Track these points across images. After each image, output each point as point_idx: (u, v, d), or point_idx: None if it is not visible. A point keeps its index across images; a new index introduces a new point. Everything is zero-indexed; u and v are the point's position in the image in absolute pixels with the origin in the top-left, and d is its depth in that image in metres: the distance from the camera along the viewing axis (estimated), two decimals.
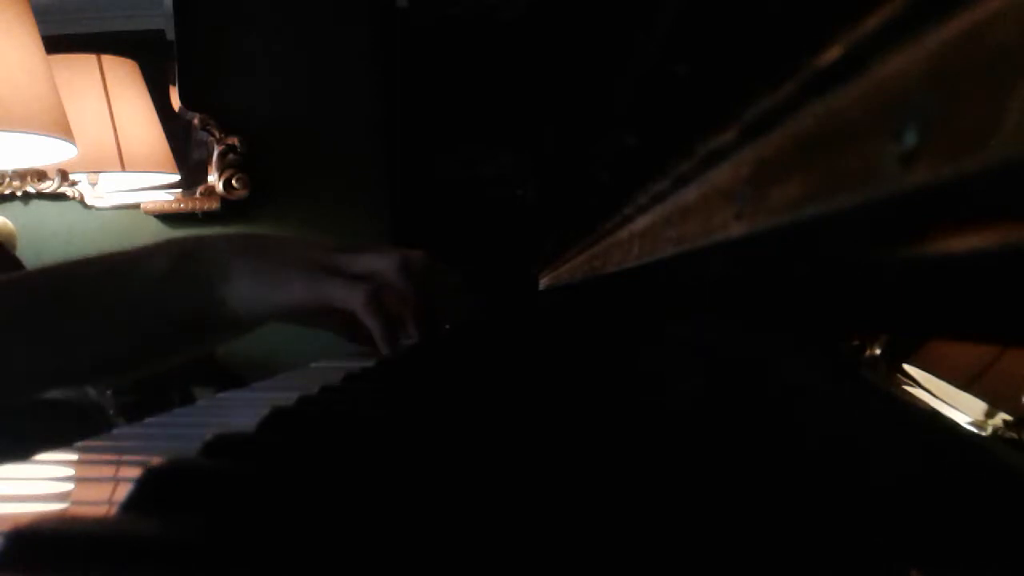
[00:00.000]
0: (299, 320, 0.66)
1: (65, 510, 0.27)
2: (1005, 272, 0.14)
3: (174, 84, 2.11)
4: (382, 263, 0.65)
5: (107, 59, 1.96)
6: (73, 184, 2.14)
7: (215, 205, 2.11)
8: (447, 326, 0.80)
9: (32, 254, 2.04)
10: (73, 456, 0.33)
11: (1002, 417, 0.19)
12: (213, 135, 2.10)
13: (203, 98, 2.11)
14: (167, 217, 2.15)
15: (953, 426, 0.20)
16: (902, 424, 0.22)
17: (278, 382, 0.64)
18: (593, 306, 0.86)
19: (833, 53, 0.20)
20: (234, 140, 2.10)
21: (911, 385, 0.22)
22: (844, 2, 0.19)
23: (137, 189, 2.13)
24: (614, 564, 0.17)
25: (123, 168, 1.96)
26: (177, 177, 2.09)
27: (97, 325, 0.61)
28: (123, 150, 1.94)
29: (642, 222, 0.48)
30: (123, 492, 0.20)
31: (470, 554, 0.17)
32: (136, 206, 2.14)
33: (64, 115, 1.63)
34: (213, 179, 2.11)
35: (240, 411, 0.50)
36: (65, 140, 1.63)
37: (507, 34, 1.98)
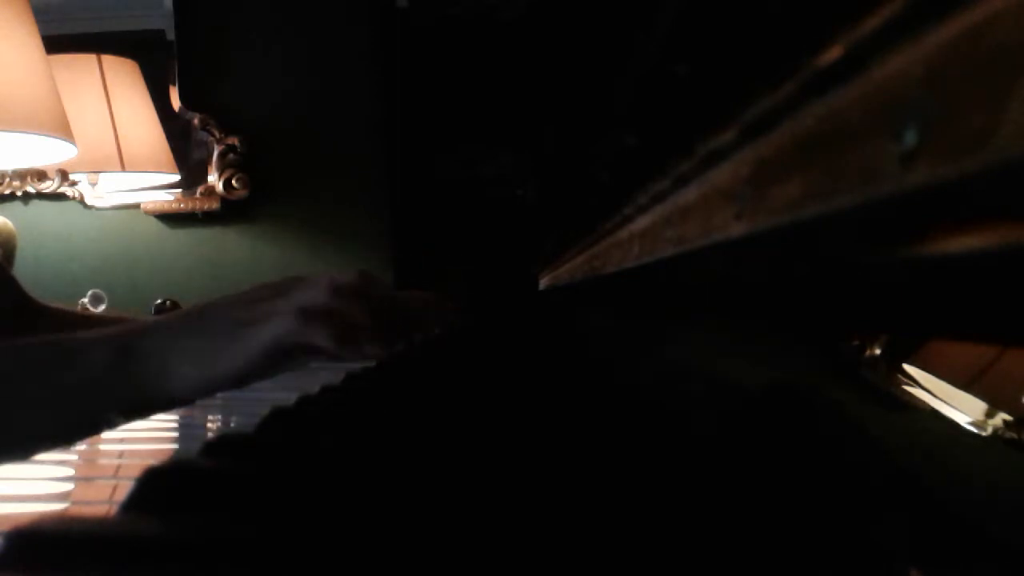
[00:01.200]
0: (260, 374, 0.65)
1: (65, 510, 0.27)
2: (1005, 272, 0.14)
3: (174, 84, 2.11)
4: (308, 293, 0.64)
5: (107, 59, 1.96)
6: (73, 184, 2.14)
7: (215, 205, 2.11)
8: (417, 336, 0.80)
9: (32, 254, 2.04)
10: (73, 456, 0.33)
11: (1002, 417, 0.19)
12: (213, 135, 2.10)
13: (203, 98, 2.11)
14: (167, 217, 2.15)
15: (953, 426, 0.20)
16: (902, 424, 0.22)
17: (278, 382, 0.64)
18: (593, 306, 0.86)
19: (833, 53, 0.20)
20: (234, 140, 2.10)
21: (911, 385, 0.22)
22: (844, 2, 0.19)
23: (137, 189, 2.13)
24: (614, 564, 0.17)
25: (123, 168, 1.96)
26: (177, 177, 2.09)
27: (41, 410, 0.62)
28: (123, 150, 1.94)
29: (642, 222, 0.48)
30: (123, 492, 0.20)
31: (468, 553, 0.17)
32: (136, 206, 2.14)
33: (64, 115, 1.63)
34: (213, 179, 2.11)
35: (240, 411, 0.50)
36: (65, 140, 1.63)
37: (507, 34, 1.98)
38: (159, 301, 1.95)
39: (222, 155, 2.10)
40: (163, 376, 0.62)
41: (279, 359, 0.64)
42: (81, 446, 0.35)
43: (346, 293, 0.65)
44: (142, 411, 0.64)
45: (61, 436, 0.64)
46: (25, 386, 0.62)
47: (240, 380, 0.64)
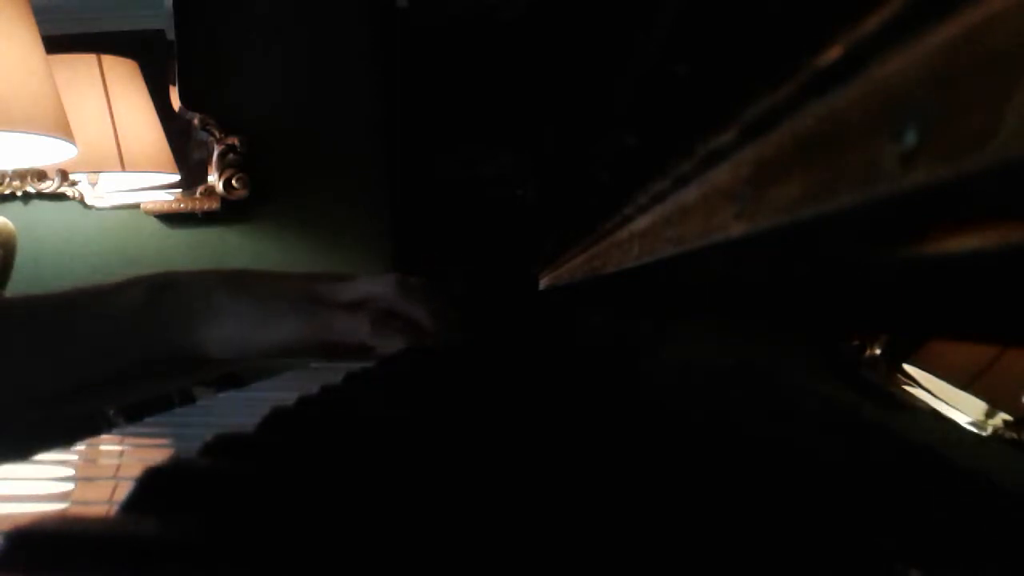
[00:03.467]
0: (297, 355, 0.62)
1: (65, 510, 0.27)
2: (1005, 272, 0.14)
3: (174, 84, 2.11)
4: (379, 287, 0.61)
5: (107, 59, 1.96)
6: (73, 184, 2.14)
7: (215, 205, 2.11)
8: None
9: (32, 254, 2.04)
10: (73, 456, 0.33)
11: (1002, 417, 0.19)
12: (213, 135, 2.10)
13: (203, 98, 2.11)
14: (167, 217, 2.15)
15: (953, 426, 0.20)
16: (902, 424, 0.22)
17: (278, 382, 0.64)
18: (593, 306, 0.86)
19: (833, 53, 0.20)
20: (234, 140, 2.10)
21: (911, 385, 0.22)
22: (844, 2, 0.19)
23: (137, 189, 2.13)
24: (613, 564, 0.17)
25: (123, 168, 1.96)
26: (177, 177, 2.09)
27: (67, 355, 0.58)
28: (123, 150, 1.94)
29: (642, 222, 0.48)
30: (123, 492, 0.20)
31: (469, 554, 0.17)
32: (136, 206, 2.14)
33: (64, 115, 1.63)
34: (213, 179, 2.11)
35: (240, 411, 0.50)
36: (65, 140, 1.63)
37: (507, 34, 1.98)
38: None
39: (222, 155, 2.10)
40: (201, 325, 0.57)
41: (328, 349, 0.61)
42: (81, 446, 0.35)
43: (411, 292, 0.62)
44: (169, 370, 0.60)
45: (84, 390, 0.61)
46: (48, 331, 0.58)
47: (274, 355, 0.60)
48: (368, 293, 0.61)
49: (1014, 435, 0.18)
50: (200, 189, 2.12)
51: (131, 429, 0.41)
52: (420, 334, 0.62)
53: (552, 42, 1.31)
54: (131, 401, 0.65)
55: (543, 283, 1.63)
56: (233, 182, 2.10)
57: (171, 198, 2.14)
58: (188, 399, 1.67)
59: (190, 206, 2.12)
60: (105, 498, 0.28)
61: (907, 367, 0.22)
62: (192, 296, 0.59)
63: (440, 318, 0.64)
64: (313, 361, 0.78)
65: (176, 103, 2.11)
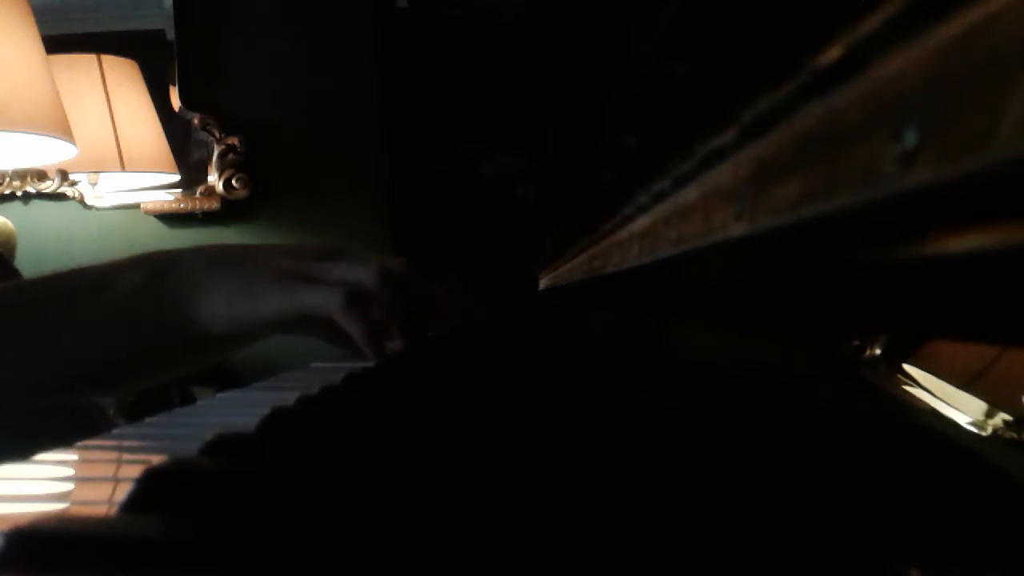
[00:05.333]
0: (282, 330, 0.64)
1: (65, 510, 0.27)
2: (1005, 272, 0.14)
3: (174, 84, 2.11)
4: (360, 272, 0.63)
5: (107, 59, 1.96)
6: (73, 184, 2.14)
7: (215, 205, 2.11)
8: (433, 332, 0.79)
9: (32, 254, 2.04)
10: (73, 456, 0.33)
11: (1002, 417, 0.19)
12: (213, 135, 2.10)
13: (203, 98, 2.11)
14: (167, 217, 2.15)
15: (953, 426, 0.20)
16: (902, 424, 0.22)
17: (278, 382, 0.64)
18: (593, 306, 0.86)
19: (833, 53, 0.20)
20: (234, 140, 2.10)
21: (911, 385, 0.22)
22: (844, 2, 0.19)
23: (137, 189, 2.13)
24: (613, 564, 0.17)
25: (123, 168, 1.96)
26: (177, 177, 2.09)
27: (66, 341, 0.60)
28: (123, 150, 1.94)
29: (642, 222, 0.48)
30: (123, 492, 0.20)
31: (469, 553, 0.17)
32: (136, 206, 2.14)
33: (64, 115, 1.63)
34: (213, 179, 2.11)
35: (240, 411, 0.50)
36: (65, 140, 1.63)
37: (507, 34, 1.98)
38: None
39: (222, 155, 2.10)
40: (191, 307, 0.60)
41: (306, 325, 0.63)
42: (81, 446, 0.35)
43: (393, 284, 0.64)
44: (168, 351, 0.62)
45: (92, 378, 0.62)
46: (47, 317, 0.60)
47: (265, 330, 0.63)
48: (348, 277, 0.62)
49: (1014, 435, 0.18)
50: (200, 189, 2.12)
51: (131, 429, 0.41)
52: (396, 320, 0.63)
53: (552, 42, 1.31)
54: (133, 390, 0.67)
55: (543, 283, 1.63)
56: (233, 182, 2.10)
57: (171, 198, 2.14)
58: (188, 399, 1.67)
59: (190, 206, 2.12)
60: (105, 498, 0.28)
61: (907, 367, 0.22)
62: (184, 280, 0.61)
63: (419, 308, 0.66)
64: (313, 361, 0.78)
65: (176, 103, 2.11)
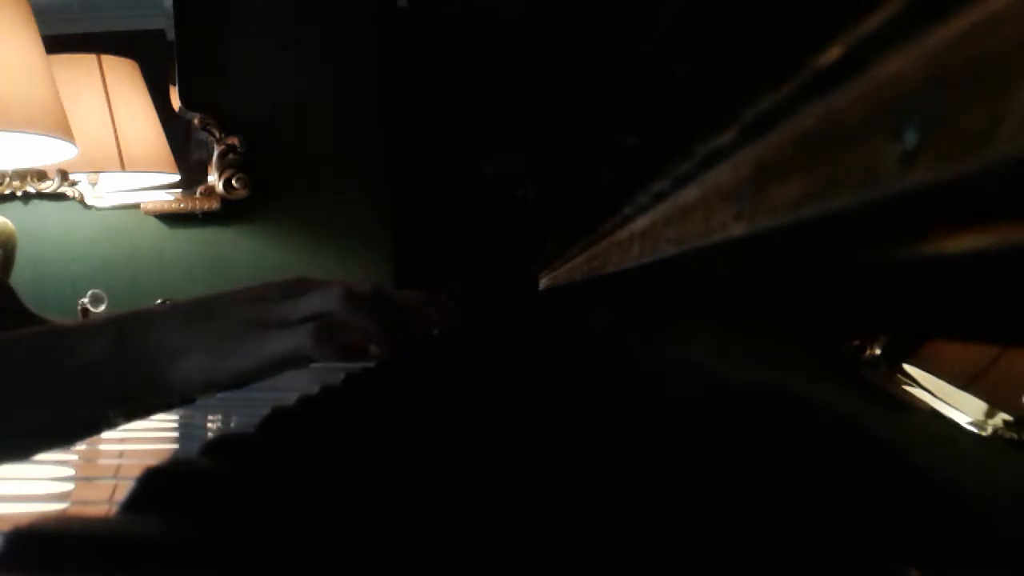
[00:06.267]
0: (263, 377, 0.65)
1: (65, 510, 0.27)
2: (1005, 272, 0.14)
3: (174, 84, 2.11)
4: (323, 301, 0.63)
5: (107, 59, 1.96)
6: (73, 184, 2.14)
7: (215, 205, 2.11)
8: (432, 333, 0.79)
9: (32, 254, 2.04)
10: (73, 456, 0.33)
11: (1002, 417, 0.19)
12: (213, 135, 2.10)
13: (203, 98, 2.11)
14: (167, 217, 2.15)
15: (953, 426, 0.20)
16: (902, 424, 0.22)
17: (278, 382, 0.64)
18: (593, 306, 0.86)
19: (833, 53, 0.20)
20: (234, 140, 2.10)
21: (911, 385, 0.22)
22: (844, 2, 0.19)
23: (137, 189, 2.13)
24: (613, 564, 0.17)
25: (123, 168, 1.96)
26: (177, 177, 2.09)
27: (28, 402, 0.61)
28: (123, 150, 1.94)
29: (642, 222, 0.48)
30: (123, 492, 0.20)
31: (468, 553, 0.17)
32: (136, 206, 2.14)
33: (64, 115, 1.63)
34: (213, 179, 2.11)
35: (240, 411, 0.50)
36: (65, 140, 1.63)
37: (507, 34, 1.98)
38: (159, 301, 1.95)
39: (222, 155, 2.10)
40: (165, 370, 0.61)
41: (285, 367, 0.64)
42: (81, 446, 0.35)
43: (358, 304, 0.64)
44: (139, 406, 0.63)
45: (57, 432, 0.63)
46: (18, 376, 0.60)
47: (243, 381, 0.64)
48: (315, 309, 0.63)
49: (1014, 435, 0.18)
50: (200, 189, 2.12)
51: (131, 429, 0.41)
52: (363, 345, 0.63)
53: (552, 42, 1.31)
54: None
55: (543, 283, 1.63)
56: (233, 182, 2.10)
57: (171, 198, 2.14)
58: (188, 399, 1.66)
59: (190, 206, 2.12)
60: (105, 498, 0.28)
61: (907, 367, 0.22)
62: (153, 345, 0.62)
63: (389, 326, 0.66)
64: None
65: (176, 103, 2.11)
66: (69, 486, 0.30)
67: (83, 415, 0.63)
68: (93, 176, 2.07)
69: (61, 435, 0.63)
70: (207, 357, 0.61)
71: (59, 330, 0.65)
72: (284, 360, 0.61)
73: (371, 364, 0.62)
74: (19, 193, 2.14)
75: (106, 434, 0.39)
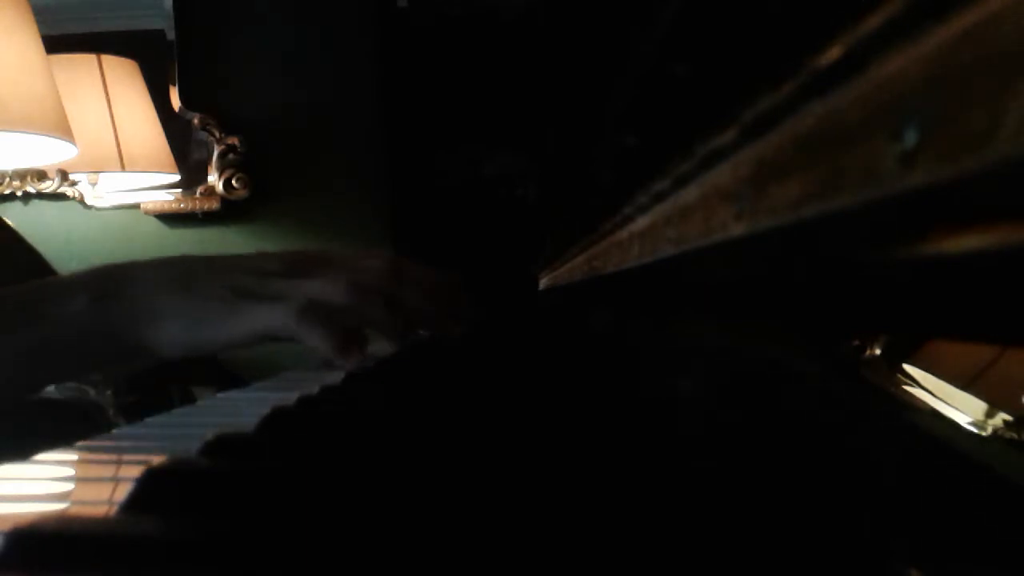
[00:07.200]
0: (246, 346, 0.63)
1: (65, 510, 0.27)
2: (1005, 272, 0.14)
3: (174, 84, 2.11)
4: (326, 288, 0.61)
5: (107, 59, 1.96)
6: (73, 184, 2.14)
7: (215, 205, 2.11)
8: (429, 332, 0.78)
9: None
10: (73, 456, 0.33)
11: (1002, 417, 0.19)
12: (213, 135, 2.10)
13: (203, 98, 2.11)
14: (167, 217, 2.15)
15: (953, 426, 0.20)
16: (902, 424, 0.22)
17: (278, 382, 0.64)
18: (593, 306, 0.86)
19: (833, 53, 0.20)
20: (234, 140, 2.10)
21: (911, 385, 0.22)
22: (844, 2, 0.19)
23: (137, 189, 2.13)
24: (613, 564, 0.17)
25: (123, 168, 1.96)
26: (177, 177, 2.09)
27: (14, 356, 0.59)
28: (123, 150, 1.94)
29: (642, 222, 0.48)
30: (123, 492, 0.20)
31: (468, 553, 0.17)
32: (136, 206, 2.14)
33: (64, 115, 1.63)
34: (213, 179, 2.11)
35: (240, 411, 0.50)
36: (65, 140, 1.63)
37: (507, 34, 1.98)
38: None
39: (222, 155, 2.10)
40: (146, 330, 0.59)
41: (269, 339, 0.62)
42: (81, 446, 0.35)
43: (368, 292, 0.62)
44: (117, 365, 0.62)
45: (35, 387, 0.62)
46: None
47: (225, 348, 0.62)
48: (317, 297, 0.60)
49: (1014, 435, 0.18)
50: (200, 189, 2.12)
51: (131, 429, 0.41)
52: (353, 341, 0.61)
53: (552, 42, 1.31)
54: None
55: (543, 283, 1.63)
56: (233, 182, 2.10)
57: (171, 198, 2.14)
58: (188, 399, 1.67)
59: (190, 206, 2.12)
60: (105, 498, 0.28)
61: (907, 367, 0.22)
62: (132, 304, 0.60)
63: (415, 309, 0.65)
64: (313, 361, 0.77)
65: (176, 103, 2.11)
66: (69, 486, 0.30)
67: (64, 377, 0.61)
68: (93, 176, 2.07)
69: (37, 387, 0.61)
70: (185, 323, 0.59)
71: (34, 288, 0.61)
72: (264, 331, 0.59)
73: (371, 361, 0.62)
74: (19, 193, 2.14)
75: (106, 434, 0.39)
